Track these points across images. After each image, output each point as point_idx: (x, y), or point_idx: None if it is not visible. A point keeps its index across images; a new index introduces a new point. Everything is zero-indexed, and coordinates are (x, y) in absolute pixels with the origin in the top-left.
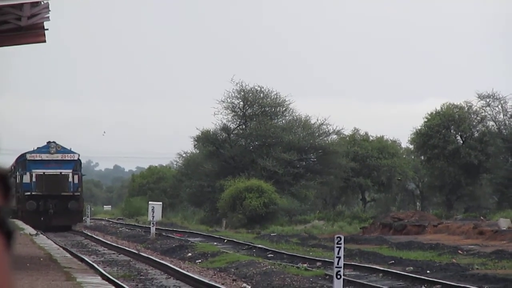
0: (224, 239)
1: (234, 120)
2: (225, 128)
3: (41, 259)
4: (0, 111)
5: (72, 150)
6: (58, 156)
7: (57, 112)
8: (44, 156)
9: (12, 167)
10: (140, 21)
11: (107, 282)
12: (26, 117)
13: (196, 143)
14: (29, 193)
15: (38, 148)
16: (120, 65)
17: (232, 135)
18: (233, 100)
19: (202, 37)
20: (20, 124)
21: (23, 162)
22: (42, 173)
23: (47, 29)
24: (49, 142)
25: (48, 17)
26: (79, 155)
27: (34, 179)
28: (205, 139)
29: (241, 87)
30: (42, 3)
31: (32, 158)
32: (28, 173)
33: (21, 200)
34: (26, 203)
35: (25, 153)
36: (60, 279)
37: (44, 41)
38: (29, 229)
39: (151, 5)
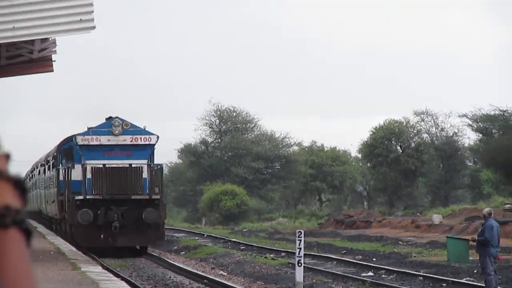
0: (204, 234)
1: (211, 135)
2: (204, 141)
3: (52, 252)
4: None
5: (147, 129)
6: (127, 139)
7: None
8: (105, 139)
9: (51, 158)
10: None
11: (106, 271)
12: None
13: (179, 154)
14: (81, 197)
15: (92, 127)
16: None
17: (209, 147)
18: (211, 118)
19: (186, 60)
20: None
21: (69, 149)
22: (101, 166)
23: (54, 61)
24: (110, 118)
25: (55, 50)
26: (157, 138)
27: (89, 175)
28: (187, 151)
29: (217, 107)
30: (50, 39)
31: (86, 143)
32: (79, 166)
33: (69, 207)
34: (77, 213)
35: (74, 135)
36: (68, 269)
37: (52, 71)
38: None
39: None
